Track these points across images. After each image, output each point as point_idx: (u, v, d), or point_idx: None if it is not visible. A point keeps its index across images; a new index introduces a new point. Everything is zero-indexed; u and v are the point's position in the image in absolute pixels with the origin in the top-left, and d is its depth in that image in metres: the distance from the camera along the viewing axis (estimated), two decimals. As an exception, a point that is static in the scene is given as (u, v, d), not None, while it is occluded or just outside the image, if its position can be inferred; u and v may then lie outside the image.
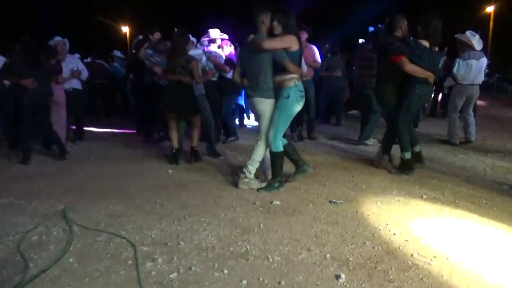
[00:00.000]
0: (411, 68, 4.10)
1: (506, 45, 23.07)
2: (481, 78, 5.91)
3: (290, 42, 3.67)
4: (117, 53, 10.08)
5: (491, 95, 15.58)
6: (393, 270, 2.31)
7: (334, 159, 5.20)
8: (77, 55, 7.19)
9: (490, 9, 24.62)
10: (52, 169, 4.68)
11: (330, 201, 3.49)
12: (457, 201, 3.50)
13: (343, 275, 2.22)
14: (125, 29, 30.15)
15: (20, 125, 5.12)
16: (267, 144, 3.84)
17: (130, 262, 2.41)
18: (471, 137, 6.11)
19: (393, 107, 4.37)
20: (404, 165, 4.38)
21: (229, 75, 5.98)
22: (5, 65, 5.07)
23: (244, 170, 3.87)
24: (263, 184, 3.88)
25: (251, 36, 3.77)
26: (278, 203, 3.46)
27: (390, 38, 4.27)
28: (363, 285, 2.15)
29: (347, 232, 2.85)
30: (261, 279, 2.21)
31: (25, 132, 5.06)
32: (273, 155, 3.83)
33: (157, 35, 6.18)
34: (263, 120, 3.85)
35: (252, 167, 3.87)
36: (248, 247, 2.61)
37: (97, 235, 2.81)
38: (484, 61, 5.83)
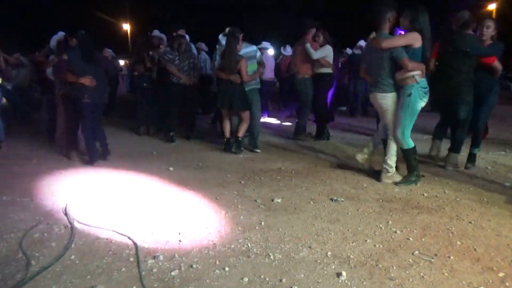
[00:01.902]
0: (500, 67, 4.30)
1: (508, 43, 22.96)
2: None
3: (412, 40, 3.66)
4: (108, 50, 10.15)
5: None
6: (394, 268, 2.31)
7: (334, 157, 5.20)
8: None
9: (492, 6, 24.54)
10: (53, 167, 4.68)
11: (331, 199, 3.50)
12: (458, 199, 3.50)
13: (344, 273, 2.22)
14: (126, 27, 30.18)
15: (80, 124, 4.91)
16: (396, 142, 3.89)
17: (131, 259, 2.42)
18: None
19: (470, 104, 4.33)
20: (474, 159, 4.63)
21: None
22: (64, 61, 4.64)
23: (385, 165, 3.96)
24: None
25: (373, 34, 3.87)
26: (279, 200, 3.46)
27: (475, 37, 4.28)
28: (364, 283, 2.15)
29: (348, 230, 2.85)
30: (262, 276, 2.22)
31: (88, 132, 4.74)
32: (405, 152, 3.88)
33: (181, 32, 6.13)
34: (386, 115, 3.92)
35: (391, 161, 3.95)
36: (249, 244, 2.61)
37: (99, 232, 2.82)
38: None
